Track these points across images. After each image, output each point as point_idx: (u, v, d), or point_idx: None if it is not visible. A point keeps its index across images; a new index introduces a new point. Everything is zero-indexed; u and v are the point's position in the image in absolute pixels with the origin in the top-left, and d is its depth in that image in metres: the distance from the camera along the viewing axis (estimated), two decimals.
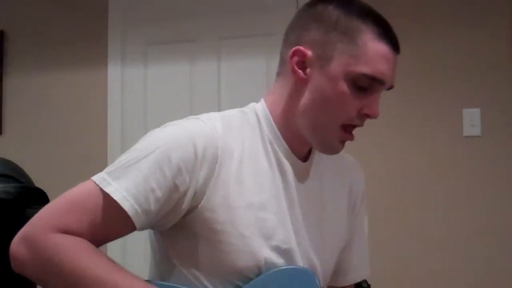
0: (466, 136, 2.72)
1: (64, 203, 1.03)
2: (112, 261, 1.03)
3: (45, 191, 1.28)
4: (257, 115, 1.15)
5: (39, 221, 1.02)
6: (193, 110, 3.08)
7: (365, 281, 1.34)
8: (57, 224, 1.01)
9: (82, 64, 3.28)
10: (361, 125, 1.12)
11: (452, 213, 2.72)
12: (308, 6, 1.15)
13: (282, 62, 1.15)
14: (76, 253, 0.99)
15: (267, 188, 1.11)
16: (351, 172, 1.30)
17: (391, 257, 2.69)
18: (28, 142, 3.32)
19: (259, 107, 1.17)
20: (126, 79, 3.22)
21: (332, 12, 1.09)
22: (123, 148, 3.10)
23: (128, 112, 3.20)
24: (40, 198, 1.26)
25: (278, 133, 1.14)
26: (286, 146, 1.14)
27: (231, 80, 3.07)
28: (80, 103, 3.28)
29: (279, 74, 1.17)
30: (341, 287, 1.31)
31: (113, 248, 2.95)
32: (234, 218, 1.07)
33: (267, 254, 1.09)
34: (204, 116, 1.11)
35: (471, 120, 2.71)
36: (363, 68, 1.06)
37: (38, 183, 1.30)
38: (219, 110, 3.00)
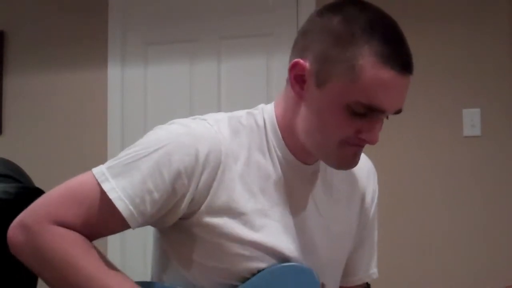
0: (466, 136, 2.71)
1: (63, 194, 1.03)
2: (105, 259, 1.03)
3: (45, 191, 1.28)
4: (264, 118, 1.12)
5: (37, 210, 1.03)
6: (193, 110, 3.08)
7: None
8: (54, 215, 1.01)
9: (82, 64, 3.28)
10: (361, 145, 1.05)
11: (452, 213, 2.71)
12: (317, 14, 1.07)
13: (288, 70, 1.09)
14: (69, 248, 1.00)
15: (272, 194, 1.09)
16: (365, 173, 1.24)
17: (390, 256, 2.69)
18: (28, 142, 3.32)
19: (268, 111, 1.13)
20: (126, 79, 3.22)
21: (336, 26, 1.00)
22: (123, 149, 3.09)
23: (128, 112, 3.20)
24: None
25: (282, 141, 1.10)
26: (290, 154, 1.10)
27: (231, 80, 3.07)
28: (80, 103, 3.28)
29: (287, 81, 1.10)
30: (349, 287, 1.29)
31: (113, 248, 2.95)
32: (236, 224, 1.06)
33: (268, 260, 1.08)
34: (211, 118, 1.09)
35: (471, 120, 2.71)
36: (359, 96, 0.98)
37: (38, 183, 1.30)
38: (219, 110, 3.02)
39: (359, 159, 1.08)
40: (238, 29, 3.08)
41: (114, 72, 3.22)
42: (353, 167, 1.10)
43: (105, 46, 3.23)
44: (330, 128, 1.03)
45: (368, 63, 0.97)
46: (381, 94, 0.98)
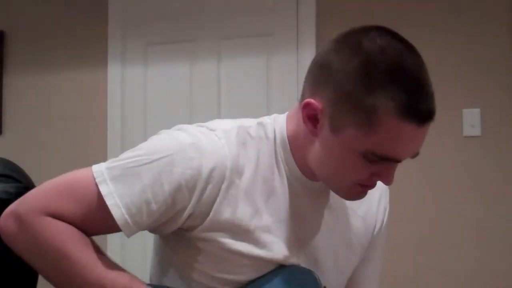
0: (466, 136, 2.72)
1: (59, 187, 1.02)
2: (101, 252, 1.02)
3: None
4: (274, 130, 1.08)
5: (31, 201, 1.01)
6: (193, 110, 3.08)
7: None
8: (48, 207, 1.00)
9: (82, 64, 3.28)
10: (373, 187, 1.04)
11: (452, 213, 2.71)
12: (335, 48, 0.99)
13: (302, 94, 1.04)
14: (65, 239, 0.99)
15: (277, 209, 1.07)
16: (377, 193, 1.20)
17: (389, 256, 2.69)
18: (28, 142, 3.32)
19: (280, 122, 1.09)
20: (126, 79, 3.22)
21: (355, 70, 0.94)
22: (123, 148, 3.10)
23: (128, 112, 3.20)
24: None
25: (291, 157, 1.07)
26: (298, 170, 1.08)
27: (231, 80, 3.07)
28: (80, 103, 3.28)
29: (300, 102, 1.05)
30: None
31: (113, 247, 2.95)
32: (240, 242, 1.04)
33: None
34: (219, 129, 1.05)
35: (471, 120, 2.71)
36: (375, 147, 0.95)
37: (38, 183, 1.30)
38: (219, 110, 3.03)
39: (366, 193, 1.06)
40: (238, 29, 3.07)
41: (114, 72, 3.22)
42: (360, 199, 1.08)
43: (105, 46, 3.23)
44: (344, 171, 1.00)
45: (387, 115, 0.92)
46: (397, 146, 0.96)
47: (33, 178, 1.31)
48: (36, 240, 0.99)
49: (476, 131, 2.70)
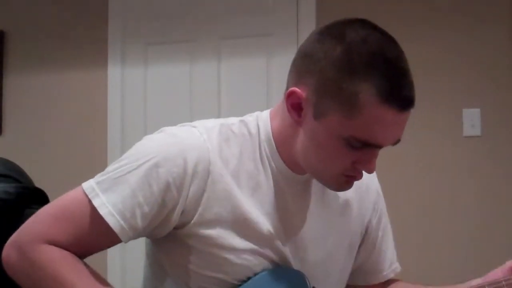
0: (466, 136, 2.72)
1: (54, 212, 1.04)
2: (96, 275, 1.03)
3: (45, 191, 1.28)
4: (258, 127, 1.10)
5: (29, 229, 1.03)
6: (193, 110, 3.08)
7: None
8: (45, 234, 1.02)
9: (82, 64, 3.28)
10: (359, 177, 1.05)
11: (452, 213, 2.72)
12: (318, 38, 1.02)
13: (286, 86, 1.06)
14: (59, 266, 1.00)
15: (262, 203, 1.08)
16: (364, 181, 1.18)
17: None
18: (28, 142, 3.32)
19: (263, 119, 1.11)
20: (126, 79, 3.22)
21: (337, 58, 0.97)
22: (123, 148, 3.10)
23: (128, 112, 3.20)
24: (40, 198, 1.26)
25: (277, 152, 1.09)
26: (284, 165, 1.09)
27: (231, 80, 3.07)
28: (80, 103, 3.28)
29: (284, 96, 1.07)
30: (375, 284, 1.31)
31: (113, 251, 2.95)
32: (229, 234, 1.05)
33: (259, 269, 1.09)
34: (201, 126, 1.08)
35: (471, 120, 2.71)
36: (356, 132, 0.97)
37: (38, 183, 1.30)
38: (219, 110, 3.03)
39: (351, 185, 1.08)
40: (238, 29, 3.08)
41: (114, 72, 3.22)
42: (345, 190, 1.09)
43: (105, 46, 3.23)
44: (328, 159, 1.02)
45: (368, 101, 0.95)
46: (379, 131, 0.98)
47: (33, 178, 1.31)
48: (33, 269, 1.01)
49: (476, 131, 2.70)
